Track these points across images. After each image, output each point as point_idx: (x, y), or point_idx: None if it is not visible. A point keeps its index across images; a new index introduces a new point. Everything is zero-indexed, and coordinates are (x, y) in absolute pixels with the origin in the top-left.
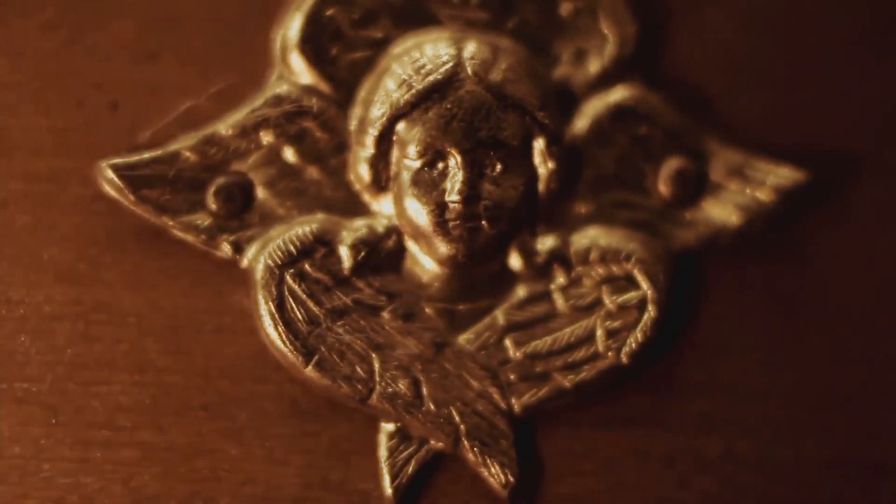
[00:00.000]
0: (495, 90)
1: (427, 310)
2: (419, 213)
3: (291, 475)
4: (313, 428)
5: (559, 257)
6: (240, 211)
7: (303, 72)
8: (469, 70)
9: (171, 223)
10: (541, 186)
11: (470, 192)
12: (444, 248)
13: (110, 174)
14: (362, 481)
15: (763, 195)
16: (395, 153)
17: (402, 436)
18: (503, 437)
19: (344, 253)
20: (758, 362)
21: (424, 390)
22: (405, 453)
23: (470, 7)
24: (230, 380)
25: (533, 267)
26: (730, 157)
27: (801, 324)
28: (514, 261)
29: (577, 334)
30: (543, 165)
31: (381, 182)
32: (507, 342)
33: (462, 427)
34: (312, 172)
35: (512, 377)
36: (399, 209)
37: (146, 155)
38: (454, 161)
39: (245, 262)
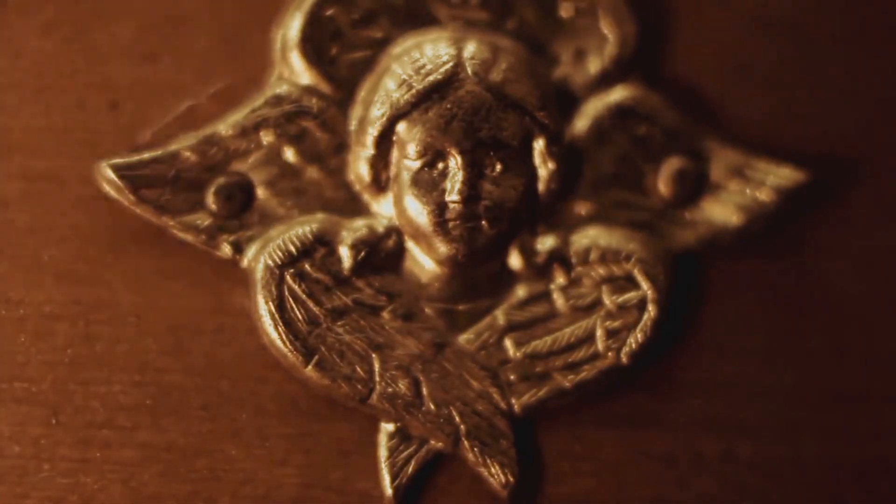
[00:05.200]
0: (495, 90)
1: (427, 310)
2: (419, 213)
3: (291, 475)
4: (313, 428)
5: (559, 257)
6: (240, 211)
7: (303, 72)
8: (469, 70)
9: (171, 223)
10: (541, 186)
11: (470, 192)
12: (444, 248)
13: (110, 174)
14: (362, 481)
15: (763, 195)
16: (394, 153)
17: (402, 436)
18: (503, 437)
19: (344, 253)
20: (758, 362)
21: (424, 390)
22: (405, 453)
23: (470, 7)
24: (230, 380)
25: (533, 267)
26: (730, 157)
27: (801, 324)
28: (514, 261)
29: (577, 334)
30: (543, 165)
31: (381, 182)
32: (507, 342)
33: (462, 427)
34: (312, 172)
35: (512, 377)
36: (399, 209)
37: (146, 155)
38: (454, 161)
39: (245, 262)
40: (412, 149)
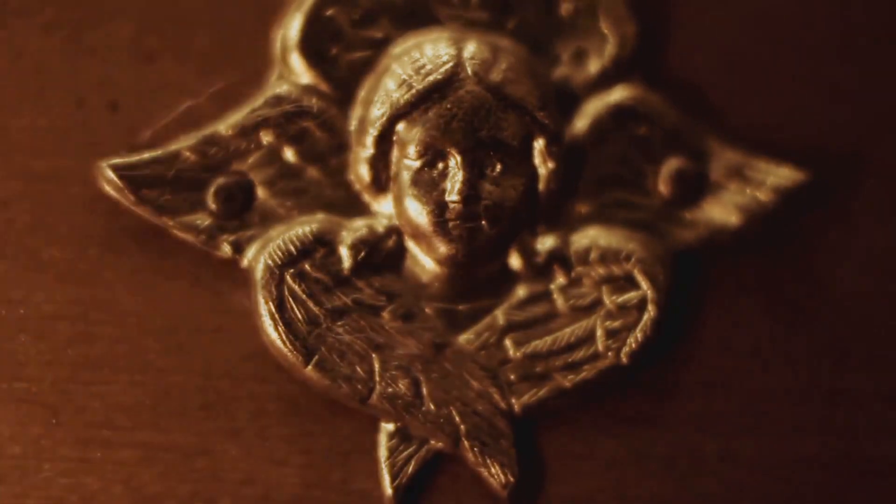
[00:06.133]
0: (495, 90)
1: (427, 310)
2: (419, 213)
3: (291, 475)
4: (313, 428)
5: (559, 257)
6: (240, 211)
7: (303, 72)
8: (469, 70)
9: (171, 223)
10: (541, 186)
11: (470, 192)
12: (444, 247)
13: (110, 174)
14: (362, 481)
15: (763, 195)
16: (395, 153)
17: (402, 436)
18: (503, 436)
19: (344, 253)
20: (758, 362)
21: (424, 390)
22: (405, 453)
23: (470, 7)
24: (230, 380)
25: (533, 267)
26: (730, 157)
27: (801, 324)
28: (514, 261)
29: (577, 334)
30: (543, 165)
31: (381, 182)
32: (507, 342)
33: (462, 427)
34: (312, 172)
35: (512, 377)
36: (399, 209)
37: (146, 155)
38: (454, 161)
39: (245, 262)
40: (412, 149)
